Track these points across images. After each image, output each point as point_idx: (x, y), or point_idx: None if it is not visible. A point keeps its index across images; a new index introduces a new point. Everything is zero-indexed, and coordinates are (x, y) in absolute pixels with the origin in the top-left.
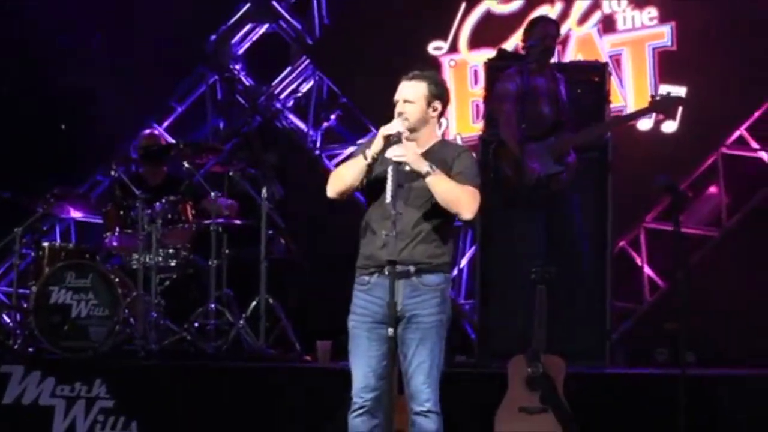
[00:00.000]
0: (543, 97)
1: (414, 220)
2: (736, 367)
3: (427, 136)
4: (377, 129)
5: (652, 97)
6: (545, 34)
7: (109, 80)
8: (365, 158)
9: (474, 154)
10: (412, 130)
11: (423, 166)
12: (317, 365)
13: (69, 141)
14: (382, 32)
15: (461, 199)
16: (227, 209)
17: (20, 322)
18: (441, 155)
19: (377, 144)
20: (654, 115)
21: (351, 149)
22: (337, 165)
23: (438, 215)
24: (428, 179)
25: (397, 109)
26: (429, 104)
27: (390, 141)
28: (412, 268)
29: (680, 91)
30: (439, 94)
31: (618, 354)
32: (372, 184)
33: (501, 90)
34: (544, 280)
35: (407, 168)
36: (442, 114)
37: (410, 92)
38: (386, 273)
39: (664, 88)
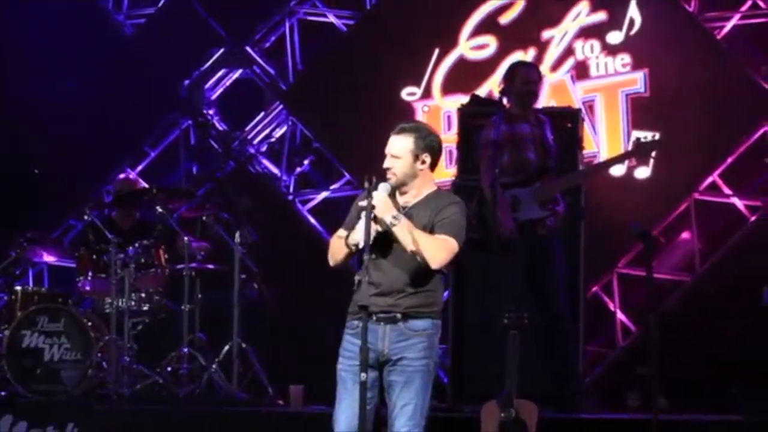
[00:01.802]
0: (528, 143)
1: (402, 274)
2: (707, 412)
3: (418, 187)
4: (350, 174)
5: (637, 140)
6: (527, 79)
7: (82, 125)
8: (347, 244)
9: (464, 207)
10: (401, 184)
11: (387, 217)
12: (290, 409)
13: (42, 185)
14: (355, 78)
15: (427, 248)
16: (201, 251)
17: None
18: (432, 205)
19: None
20: (627, 160)
21: (324, 194)
22: (310, 210)
23: (426, 267)
24: (393, 229)
25: (385, 164)
26: (416, 158)
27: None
28: (398, 315)
29: (655, 136)
30: (427, 146)
31: (590, 399)
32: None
33: (482, 138)
34: (517, 326)
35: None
36: (434, 164)
37: (396, 147)
38: (374, 319)
39: (637, 134)
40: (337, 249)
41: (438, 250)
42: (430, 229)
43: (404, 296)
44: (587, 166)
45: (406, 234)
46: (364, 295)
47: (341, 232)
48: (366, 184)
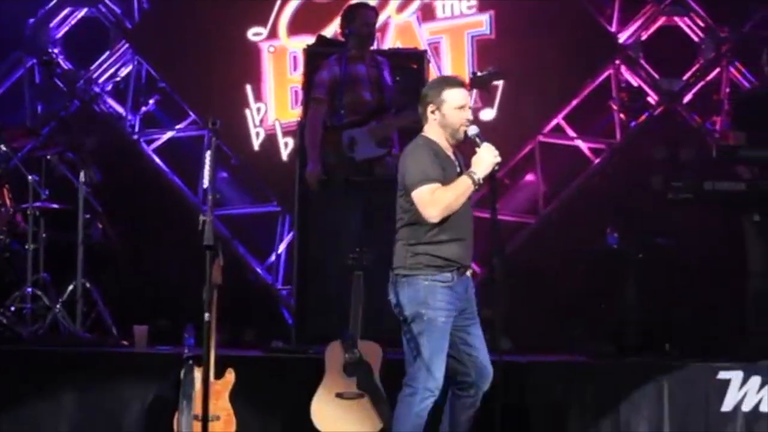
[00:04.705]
0: (363, 83)
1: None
2: (551, 353)
3: None
4: (196, 114)
5: (473, 74)
6: (364, 22)
7: None
8: (474, 183)
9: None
10: None
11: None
12: (134, 350)
13: None
14: (201, 17)
15: None
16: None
17: None
18: None
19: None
20: (473, 102)
21: (169, 134)
22: (155, 150)
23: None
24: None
25: (469, 117)
26: None
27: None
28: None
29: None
30: None
31: None
32: None
33: (316, 78)
34: (361, 266)
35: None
36: None
37: None
38: (461, 271)
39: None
40: (461, 197)
41: None
42: None
43: None
44: None
45: None
46: None
47: (435, 185)
48: (210, 124)
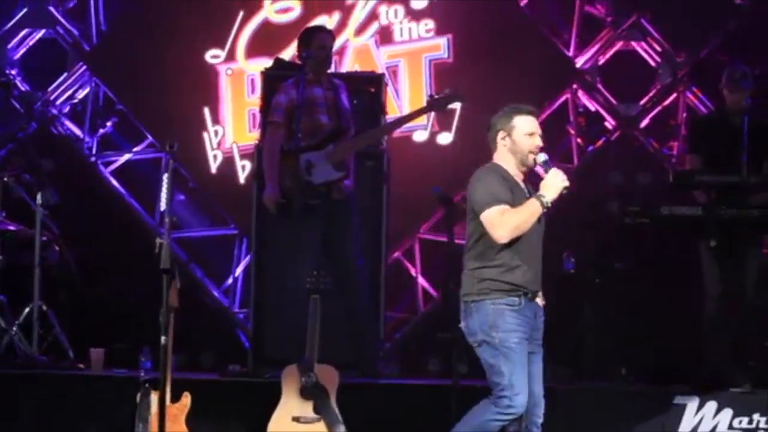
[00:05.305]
0: (320, 106)
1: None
2: None
3: None
4: (153, 136)
5: (431, 96)
6: (321, 45)
7: None
8: (542, 206)
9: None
10: None
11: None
12: (90, 373)
13: None
14: (159, 39)
15: None
16: None
17: None
18: None
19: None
20: (430, 125)
21: (127, 156)
22: (113, 172)
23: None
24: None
25: (539, 144)
26: None
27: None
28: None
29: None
30: None
31: (391, 364)
32: None
33: (273, 102)
34: (319, 290)
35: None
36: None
37: None
38: (528, 297)
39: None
40: (529, 220)
41: None
42: None
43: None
44: (379, 126)
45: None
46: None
47: (504, 206)
48: (167, 147)
